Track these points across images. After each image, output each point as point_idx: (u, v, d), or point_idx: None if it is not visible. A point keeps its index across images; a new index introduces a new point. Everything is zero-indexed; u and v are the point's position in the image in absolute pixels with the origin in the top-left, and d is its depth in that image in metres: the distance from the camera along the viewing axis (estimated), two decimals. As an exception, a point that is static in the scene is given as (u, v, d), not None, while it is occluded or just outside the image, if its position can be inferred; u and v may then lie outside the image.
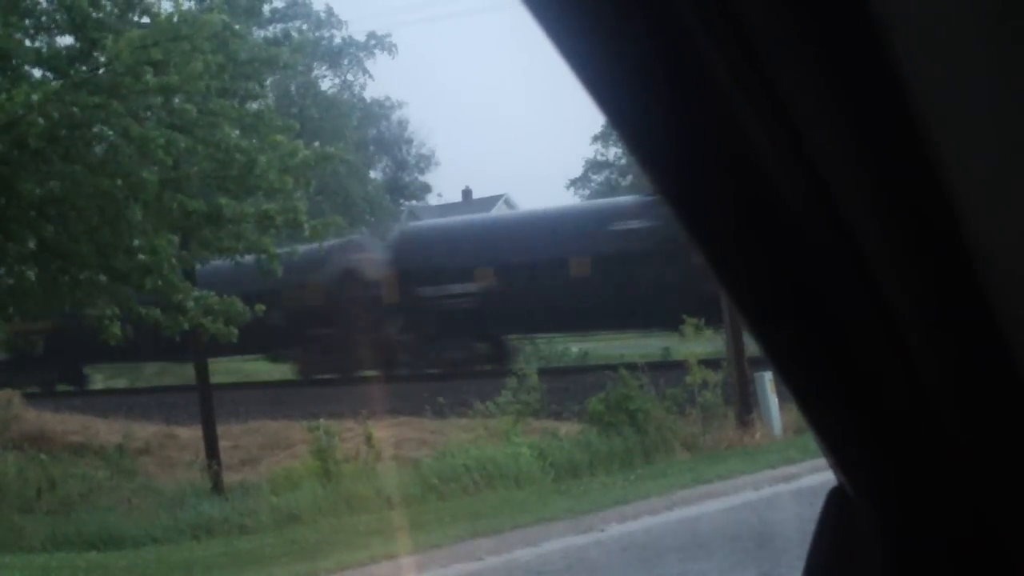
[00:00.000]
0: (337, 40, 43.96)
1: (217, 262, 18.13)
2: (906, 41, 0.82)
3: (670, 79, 0.91)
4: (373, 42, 42.38)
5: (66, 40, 14.32)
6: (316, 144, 16.18)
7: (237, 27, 14.81)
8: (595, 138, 49.28)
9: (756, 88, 0.87)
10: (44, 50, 14.13)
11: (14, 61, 13.50)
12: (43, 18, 14.06)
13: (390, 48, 41.81)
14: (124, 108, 13.17)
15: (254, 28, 19.88)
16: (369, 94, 47.76)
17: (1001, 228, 0.90)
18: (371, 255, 30.79)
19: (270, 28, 25.26)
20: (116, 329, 15.13)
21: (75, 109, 12.83)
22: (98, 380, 33.95)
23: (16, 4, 13.62)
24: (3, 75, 13.33)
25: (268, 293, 28.33)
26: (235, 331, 15.00)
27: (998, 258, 0.91)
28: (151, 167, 13.77)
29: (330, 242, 35.21)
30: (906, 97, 0.84)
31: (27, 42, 14.05)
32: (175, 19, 13.83)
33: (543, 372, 19.60)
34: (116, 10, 14.25)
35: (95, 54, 13.70)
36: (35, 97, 12.30)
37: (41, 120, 12.44)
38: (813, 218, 0.95)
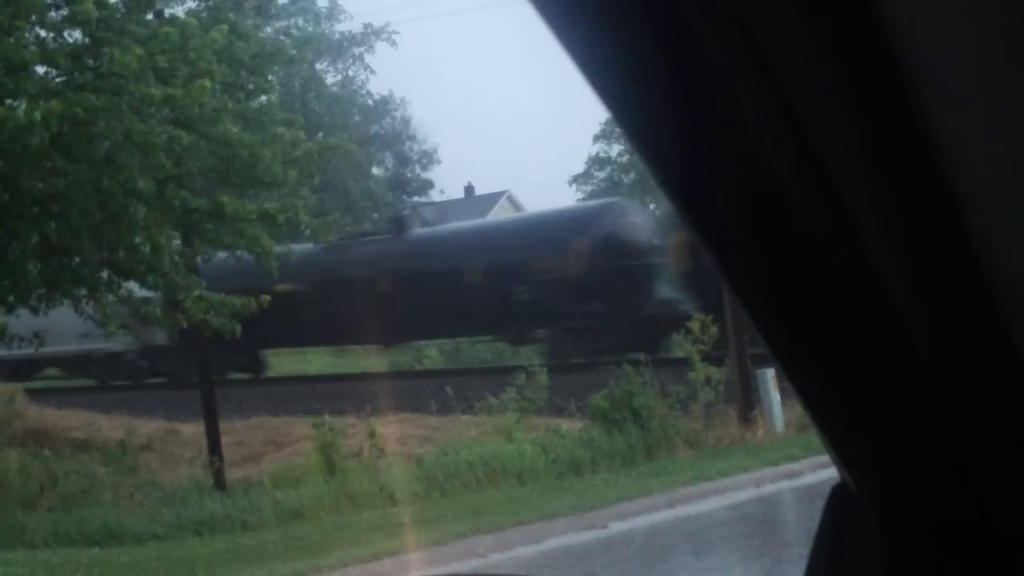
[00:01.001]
0: (336, 36, 44.02)
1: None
2: (914, 42, 0.82)
3: (677, 77, 0.91)
4: (370, 33, 42.40)
5: (74, 34, 14.31)
6: (320, 135, 16.21)
7: (249, 22, 14.82)
8: (596, 137, 49.35)
9: (763, 88, 0.88)
10: (50, 46, 14.11)
11: (19, 62, 13.48)
12: (51, 13, 14.05)
13: (390, 38, 41.84)
14: (127, 105, 13.18)
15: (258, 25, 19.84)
16: (373, 91, 47.87)
17: (1007, 228, 0.90)
18: (638, 219, 26.73)
19: (271, 26, 25.25)
20: (113, 326, 15.18)
21: (78, 109, 12.83)
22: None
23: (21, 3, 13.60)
24: (8, 76, 13.31)
25: (512, 267, 25.22)
26: (238, 326, 14.98)
27: (1003, 257, 0.91)
28: (152, 166, 13.79)
29: (585, 204, 32.25)
30: (913, 98, 0.84)
31: (30, 37, 14.04)
32: (182, 20, 13.86)
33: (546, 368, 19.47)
34: (123, 8, 14.25)
35: (102, 50, 13.69)
36: (37, 115, 12.30)
37: (44, 130, 12.46)
38: (818, 216, 0.95)
